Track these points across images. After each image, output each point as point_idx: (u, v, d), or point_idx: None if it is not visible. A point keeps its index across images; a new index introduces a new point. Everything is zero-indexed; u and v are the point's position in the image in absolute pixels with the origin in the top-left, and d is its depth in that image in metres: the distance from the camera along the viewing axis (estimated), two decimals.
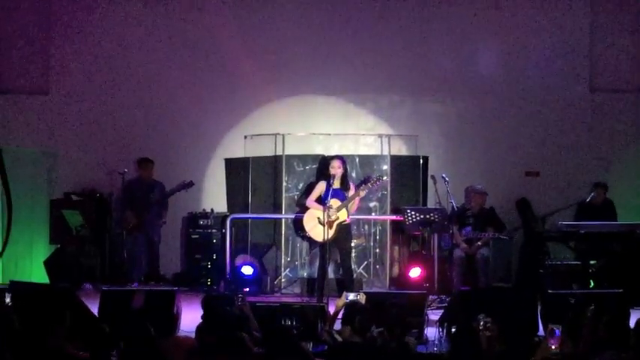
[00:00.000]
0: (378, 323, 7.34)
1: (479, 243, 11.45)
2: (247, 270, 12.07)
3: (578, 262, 11.58)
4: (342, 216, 10.57)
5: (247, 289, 11.49)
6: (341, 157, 10.91)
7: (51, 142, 13.51)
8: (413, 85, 13.54)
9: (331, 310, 8.74)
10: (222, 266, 12.16)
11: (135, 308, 8.70)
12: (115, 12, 13.61)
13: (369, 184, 10.73)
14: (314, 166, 12.59)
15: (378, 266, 12.57)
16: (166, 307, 8.69)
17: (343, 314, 7.69)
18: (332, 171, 10.63)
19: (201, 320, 7.73)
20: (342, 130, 13.37)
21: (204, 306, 7.84)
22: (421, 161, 12.75)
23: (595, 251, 11.52)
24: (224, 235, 12.25)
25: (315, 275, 11.06)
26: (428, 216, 11.13)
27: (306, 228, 10.88)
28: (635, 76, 13.49)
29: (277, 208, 12.65)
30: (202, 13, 13.59)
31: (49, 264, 12.37)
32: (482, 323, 6.93)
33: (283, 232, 12.59)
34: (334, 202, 10.50)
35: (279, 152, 12.73)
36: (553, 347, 6.55)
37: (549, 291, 9.54)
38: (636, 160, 13.34)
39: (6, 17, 13.63)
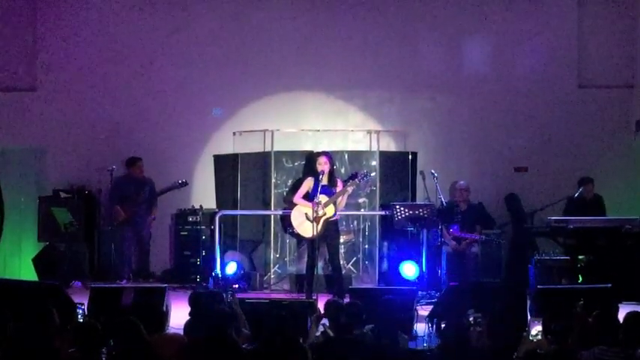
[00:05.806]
0: (369, 320, 7.34)
1: (467, 241, 11.44)
2: (231, 269, 11.93)
3: (567, 258, 11.58)
4: (330, 212, 10.53)
5: (237, 286, 11.46)
6: (327, 154, 10.86)
7: (39, 140, 13.44)
8: (402, 82, 13.53)
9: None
10: (211, 263, 12.14)
11: (124, 305, 8.70)
12: (103, 9, 13.56)
13: (356, 180, 10.69)
14: (303, 163, 12.58)
15: (367, 262, 12.58)
16: (156, 304, 8.68)
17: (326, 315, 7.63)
18: (319, 167, 10.60)
19: (189, 317, 7.74)
20: (331, 126, 13.34)
21: (192, 303, 7.84)
22: (410, 157, 12.74)
23: (584, 246, 11.53)
24: (213, 232, 12.23)
25: (304, 272, 11.05)
26: (417, 212, 11.13)
27: (294, 224, 10.85)
28: (623, 72, 13.49)
29: (266, 205, 12.64)
30: (190, 10, 13.56)
31: (37, 261, 12.33)
32: (471, 319, 6.94)
33: (272, 229, 12.58)
34: (322, 199, 10.47)
35: (268, 148, 12.71)
36: (535, 341, 6.58)
37: (538, 286, 9.55)
38: (624, 155, 13.35)
39: None
